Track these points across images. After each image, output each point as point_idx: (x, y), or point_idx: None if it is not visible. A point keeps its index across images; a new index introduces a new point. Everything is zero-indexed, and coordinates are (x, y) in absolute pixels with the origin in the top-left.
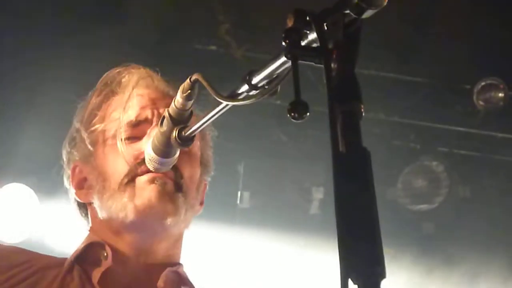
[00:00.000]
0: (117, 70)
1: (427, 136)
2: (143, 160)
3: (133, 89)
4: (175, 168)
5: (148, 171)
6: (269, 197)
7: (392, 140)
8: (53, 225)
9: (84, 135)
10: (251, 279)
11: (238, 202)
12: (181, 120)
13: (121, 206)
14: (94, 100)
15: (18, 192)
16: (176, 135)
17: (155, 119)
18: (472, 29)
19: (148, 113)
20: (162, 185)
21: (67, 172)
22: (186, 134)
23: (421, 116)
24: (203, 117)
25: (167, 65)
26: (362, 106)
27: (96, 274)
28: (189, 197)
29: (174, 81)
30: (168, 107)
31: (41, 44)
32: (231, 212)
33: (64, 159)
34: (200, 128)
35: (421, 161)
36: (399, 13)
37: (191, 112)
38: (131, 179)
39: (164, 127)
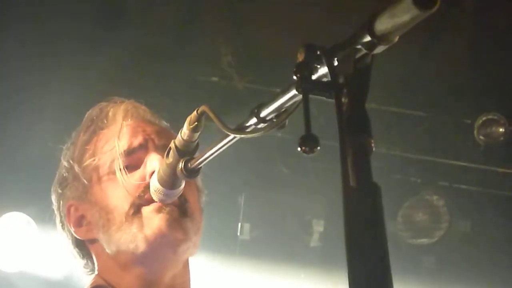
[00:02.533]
0: (101, 106)
1: (428, 170)
2: (145, 189)
3: (122, 119)
4: None
5: (152, 200)
6: (269, 229)
7: (393, 174)
8: (51, 254)
9: (78, 170)
10: None
11: (239, 233)
12: (187, 151)
13: (131, 237)
14: (82, 137)
15: (17, 221)
16: (182, 166)
17: (150, 145)
18: (473, 65)
19: (140, 140)
20: (169, 212)
21: (60, 214)
22: (192, 166)
23: (421, 150)
24: (210, 149)
25: (168, 96)
26: (373, 140)
27: None
28: (195, 221)
29: (157, 113)
30: (158, 134)
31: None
32: (231, 243)
33: (55, 203)
34: (207, 160)
35: (422, 195)
36: (400, 47)
37: (197, 144)
38: (136, 210)
39: (170, 159)
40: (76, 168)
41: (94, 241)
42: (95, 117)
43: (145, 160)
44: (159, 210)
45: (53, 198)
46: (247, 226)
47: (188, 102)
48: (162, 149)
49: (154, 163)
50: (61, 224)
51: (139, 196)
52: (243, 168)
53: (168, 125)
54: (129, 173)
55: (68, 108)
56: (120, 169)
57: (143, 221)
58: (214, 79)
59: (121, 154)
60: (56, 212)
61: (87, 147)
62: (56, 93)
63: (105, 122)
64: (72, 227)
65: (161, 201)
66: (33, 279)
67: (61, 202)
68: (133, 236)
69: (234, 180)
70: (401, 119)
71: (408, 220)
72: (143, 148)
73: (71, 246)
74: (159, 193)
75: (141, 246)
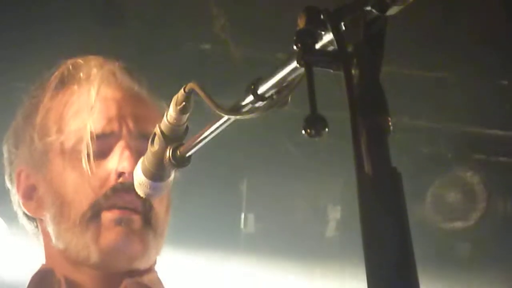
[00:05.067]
0: (72, 63)
1: (460, 141)
2: (111, 190)
3: (96, 93)
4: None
5: (115, 205)
6: (277, 219)
7: (419, 148)
8: (24, 257)
9: (38, 143)
10: None
11: (242, 226)
12: (175, 137)
13: (82, 246)
14: (47, 100)
15: None
16: (170, 155)
17: (123, 132)
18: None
19: (114, 125)
20: (128, 225)
21: (9, 173)
22: (182, 153)
23: (452, 119)
24: (202, 133)
25: (154, 68)
26: (390, 119)
27: None
28: (159, 228)
29: (136, 72)
30: (136, 117)
31: None
32: (234, 238)
33: (5, 155)
34: (198, 146)
35: (454, 172)
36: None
37: (187, 128)
38: (95, 214)
39: (156, 146)
40: (36, 141)
41: (42, 220)
42: (65, 78)
43: (114, 150)
44: (119, 221)
45: (4, 149)
46: (251, 217)
47: (175, 75)
48: (137, 138)
49: (124, 163)
50: (10, 182)
51: (105, 196)
52: (244, 149)
53: (156, 100)
54: (96, 161)
55: None
56: (89, 156)
57: (99, 231)
58: (206, 46)
59: (92, 138)
60: (6, 166)
61: (52, 115)
62: None
63: (75, 86)
64: (20, 199)
65: (148, 196)
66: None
67: (12, 161)
68: (85, 245)
69: (234, 163)
70: (427, 83)
71: (438, 201)
72: (115, 135)
73: (19, 213)
74: (145, 187)
75: (93, 257)
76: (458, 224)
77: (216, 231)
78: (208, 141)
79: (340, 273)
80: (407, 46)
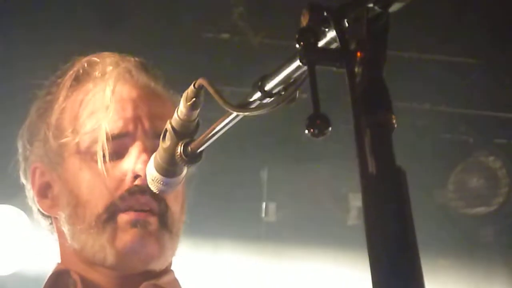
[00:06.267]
0: (87, 60)
1: (481, 126)
2: (127, 191)
3: (111, 93)
4: (160, 199)
5: (132, 207)
6: (298, 208)
7: (440, 133)
8: (47, 250)
9: (53, 143)
10: None
11: (263, 215)
12: (186, 133)
13: (99, 248)
14: (62, 99)
15: (6, 215)
16: (181, 151)
17: (139, 132)
18: None
19: (130, 126)
20: (144, 227)
21: (24, 168)
22: (193, 149)
23: (473, 103)
24: (212, 129)
25: (169, 60)
26: (394, 116)
27: None
28: (175, 228)
29: (152, 67)
30: (151, 115)
31: None
32: (255, 227)
33: (20, 150)
34: (209, 142)
35: (475, 157)
36: None
37: (198, 123)
38: (111, 216)
39: (167, 142)
40: (51, 140)
41: (58, 220)
42: (80, 75)
43: (129, 151)
44: (135, 224)
45: (19, 145)
46: (272, 206)
47: (194, 66)
48: (152, 138)
49: (140, 165)
50: (25, 178)
51: (121, 198)
52: (264, 137)
53: (172, 95)
54: (111, 163)
55: None
56: (104, 157)
57: (116, 233)
58: (224, 35)
59: (107, 139)
60: (21, 161)
61: (67, 115)
62: None
63: (91, 84)
64: (35, 196)
65: (161, 192)
66: (28, 281)
67: (28, 157)
68: (102, 247)
69: (254, 151)
70: (448, 69)
71: (460, 187)
72: (130, 136)
73: (34, 209)
74: (158, 182)
75: (110, 259)
76: (481, 210)
77: (236, 222)
78: (228, 131)
79: (362, 261)
80: (428, 32)
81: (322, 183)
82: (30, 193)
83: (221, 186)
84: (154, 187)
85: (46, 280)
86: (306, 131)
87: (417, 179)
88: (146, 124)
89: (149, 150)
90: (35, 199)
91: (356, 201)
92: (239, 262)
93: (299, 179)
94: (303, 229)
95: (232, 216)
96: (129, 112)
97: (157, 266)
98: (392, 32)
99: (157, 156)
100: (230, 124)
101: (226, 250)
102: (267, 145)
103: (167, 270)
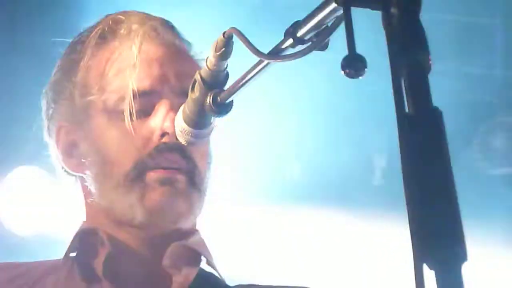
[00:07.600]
0: (112, 18)
1: (505, 87)
2: (155, 149)
3: (138, 51)
4: (188, 156)
5: (160, 165)
6: (322, 168)
7: (464, 94)
8: (69, 212)
9: (79, 101)
10: (308, 264)
11: (288, 176)
12: (215, 83)
13: (128, 206)
14: (87, 58)
15: (29, 176)
16: (211, 101)
17: (165, 90)
18: None
19: (156, 83)
20: (173, 184)
21: (48, 127)
22: (222, 99)
23: (497, 64)
24: (242, 79)
25: (191, 15)
26: (430, 57)
27: (98, 267)
28: (203, 186)
29: (176, 28)
30: (177, 65)
31: None
32: (278, 188)
33: (44, 109)
34: (239, 91)
35: (500, 117)
36: None
37: (227, 74)
38: (139, 173)
39: (196, 93)
40: (77, 98)
41: (84, 179)
42: (107, 34)
43: (157, 109)
44: (164, 182)
45: (43, 104)
46: (297, 166)
47: (216, 19)
48: (179, 95)
49: (168, 122)
50: (49, 136)
51: (149, 156)
52: (289, 97)
53: (198, 53)
54: (139, 120)
55: None
56: (131, 115)
57: (144, 191)
58: None
59: (134, 96)
60: (45, 119)
61: (93, 73)
62: None
63: (117, 42)
64: (60, 155)
65: (189, 143)
66: (51, 242)
67: (52, 116)
68: (131, 205)
69: (278, 112)
70: (472, 30)
71: (486, 147)
72: (157, 94)
73: (57, 168)
74: (187, 134)
75: (139, 217)
76: (507, 170)
77: (258, 182)
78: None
79: (388, 221)
80: None
81: (346, 144)
82: (54, 151)
83: (246, 147)
84: (182, 139)
85: (72, 238)
86: (342, 72)
87: None
88: (173, 82)
89: (176, 108)
90: (60, 157)
91: (380, 161)
92: (265, 227)
93: (323, 140)
94: (327, 190)
95: (252, 177)
96: (155, 70)
97: (186, 224)
98: None
99: (186, 108)
100: (261, 73)
101: (251, 216)
102: (291, 108)
103: (193, 230)
